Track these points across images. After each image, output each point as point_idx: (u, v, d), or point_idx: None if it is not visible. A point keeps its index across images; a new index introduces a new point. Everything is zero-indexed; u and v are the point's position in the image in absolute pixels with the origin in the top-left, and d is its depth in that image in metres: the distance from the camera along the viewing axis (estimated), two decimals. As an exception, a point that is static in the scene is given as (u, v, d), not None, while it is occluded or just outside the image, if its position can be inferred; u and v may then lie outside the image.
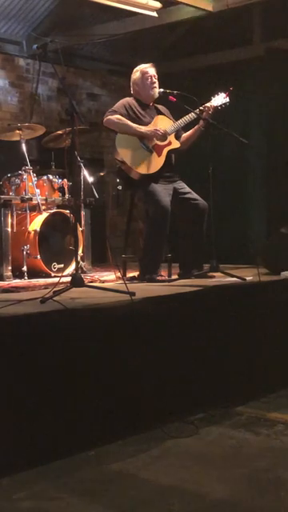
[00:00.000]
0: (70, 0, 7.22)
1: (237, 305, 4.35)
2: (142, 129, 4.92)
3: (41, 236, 5.52)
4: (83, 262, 5.74)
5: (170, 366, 3.80)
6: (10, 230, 5.41)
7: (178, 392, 3.79)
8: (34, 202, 5.55)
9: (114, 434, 3.42)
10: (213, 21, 7.43)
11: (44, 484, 2.93)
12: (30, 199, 5.53)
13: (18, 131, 5.76)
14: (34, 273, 5.45)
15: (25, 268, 5.39)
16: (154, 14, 6.94)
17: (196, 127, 5.09)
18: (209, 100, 5.07)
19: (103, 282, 5.04)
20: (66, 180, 5.87)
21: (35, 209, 5.63)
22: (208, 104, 5.03)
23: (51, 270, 5.52)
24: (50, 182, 5.84)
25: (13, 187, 5.65)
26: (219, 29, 7.76)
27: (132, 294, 3.71)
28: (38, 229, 5.51)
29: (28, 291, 4.49)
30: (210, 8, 6.87)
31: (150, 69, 5.08)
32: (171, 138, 5.04)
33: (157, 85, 5.05)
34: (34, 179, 5.62)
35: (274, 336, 4.58)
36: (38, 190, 5.58)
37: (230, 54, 8.03)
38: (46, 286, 4.53)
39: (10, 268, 5.34)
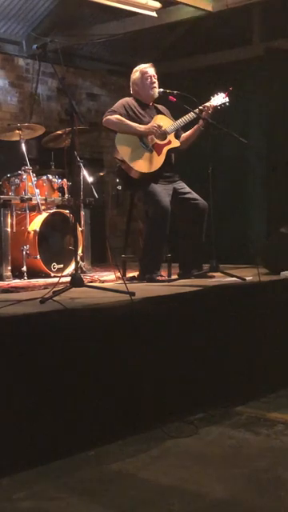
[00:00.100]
0: (69, 0, 7.23)
1: (237, 305, 4.35)
2: (142, 127, 4.92)
3: (40, 236, 5.52)
4: (83, 262, 5.74)
5: (170, 366, 3.79)
6: (9, 230, 5.41)
7: (178, 392, 3.79)
8: (34, 202, 5.55)
9: (114, 434, 3.42)
10: (212, 21, 7.44)
11: (44, 484, 2.93)
12: (30, 199, 5.53)
13: (17, 131, 5.76)
14: (33, 273, 5.45)
15: (24, 268, 5.39)
16: (154, 14, 6.94)
17: (196, 127, 5.09)
18: (208, 100, 5.07)
19: (103, 282, 5.04)
20: (65, 180, 5.87)
21: (35, 209, 5.63)
22: (207, 104, 5.03)
23: (51, 270, 5.52)
24: (50, 182, 5.84)
25: (12, 187, 5.65)
26: (219, 29, 7.77)
27: (132, 293, 3.71)
28: (38, 229, 5.51)
29: (28, 291, 4.49)
30: (209, 8, 6.87)
31: (149, 69, 5.08)
32: (171, 137, 5.04)
33: (156, 85, 5.05)
34: (34, 179, 5.62)
35: (274, 336, 4.58)
36: (37, 190, 5.58)
37: (229, 54, 8.04)
38: (45, 286, 4.53)
39: (9, 268, 5.34)
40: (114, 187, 5.25)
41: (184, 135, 5.16)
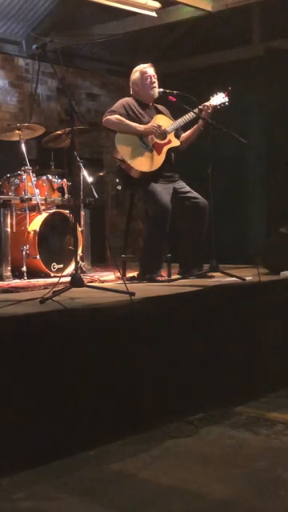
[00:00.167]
0: (69, 0, 7.23)
1: (236, 305, 4.35)
2: (142, 127, 4.92)
3: (40, 236, 5.52)
4: (83, 262, 5.74)
5: (170, 366, 3.79)
6: (9, 230, 5.41)
7: (177, 392, 3.79)
8: (34, 202, 5.55)
9: (114, 434, 3.42)
10: (212, 21, 7.43)
11: (44, 484, 2.93)
12: (30, 199, 5.53)
13: (17, 131, 5.76)
14: (33, 273, 5.45)
15: (24, 268, 5.39)
16: (154, 14, 6.94)
17: (195, 126, 5.09)
18: (208, 99, 5.07)
19: (103, 282, 5.04)
20: (65, 180, 5.87)
21: (35, 209, 5.63)
22: (207, 103, 5.03)
23: (51, 270, 5.52)
24: (50, 182, 5.84)
25: (12, 187, 5.65)
26: (218, 29, 7.77)
27: (132, 294, 3.71)
28: (38, 229, 5.50)
29: (27, 291, 4.49)
30: (209, 8, 6.87)
31: (149, 69, 5.08)
32: (171, 136, 5.04)
33: (156, 85, 5.06)
34: (34, 179, 5.62)
35: (274, 336, 4.58)
36: (37, 190, 5.58)
37: (229, 54, 8.04)
38: (45, 286, 4.53)
39: (9, 268, 5.34)
40: (114, 187, 5.25)
41: (184, 135, 5.16)
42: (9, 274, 5.32)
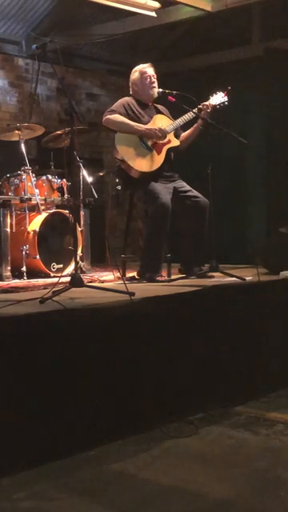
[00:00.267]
0: (69, 0, 7.23)
1: (236, 305, 4.35)
2: (143, 127, 4.92)
3: (40, 236, 5.51)
4: (82, 262, 5.74)
5: (170, 366, 3.79)
6: (9, 230, 5.41)
7: (177, 392, 3.79)
8: (33, 202, 5.55)
9: (114, 434, 3.42)
10: (212, 21, 7.43)
11: (44, 484, 2.93)
12: (29, 199, 5.53)
13: (17, 131, 5.76)
14: (33, 273, 5.45)
15: (24, 268, 5.39)
16: (153, 14, 6.94)
17: (195, 126, 5.09)
18: (207, 99, 5.07)
19: (102, 282, 5.04)
20: (65, 180, 5.87)
21: (34, 209, 5.63)
22: (206, 103, 5.03)
23: (50, 270, 5.52)
24: (49, 182, 5.84)
25: (12, 187, 5.65)
26: (218, 29, 7.77)
27: (131, 294, 3.71)
28: (37, 229, 5.50)
29: (27, 291, 4.49)
30: (208, 8, 6.87)
31: (148, 69, 5.08)
32: (170, 136, 5.04)
33: (156, 85, 5.05)
34: (33, 179, 5.62)
35: (274, 336, 4.58)
36: (37, 190, 5.58)
37: (229, 54, 8.04)
38: (45, 286, 4.53)
39: (9, 268, 5.34)
40: (114, 187, 5.25)
41: (183, 134, 5.16)
42: (8, 274, 5.32)
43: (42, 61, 7.32)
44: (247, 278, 4.67)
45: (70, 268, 5.32)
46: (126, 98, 5.09)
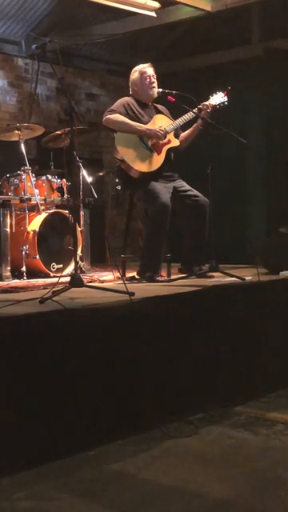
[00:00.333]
0: (69, 0, 7.22)
1: (236, 305, 4.35)
2: (143, 127, 4.92)
3: (40, 236, 5.51)
4: (82, 262, 5.74)
5: (170, 366, 3.79)
6: (8, 230, 5.41)
7: (177, 392, 3.79)
8: (33, 202, 5.55)
9: (114, 434, 3.42)
10: (211, 21, 7.44)
11: (44, 484, 2.93)
12: (29, 199, 5.53)
13: (16, 131, 5.75)
14: (33, 273, 5.45)
15: (24, 268, 5.39)
16: (153, 14, 6.95)
17: (194, 125, 5.08)
18: (207, 99, 5.07)
19: (102, 282, 5.03)
20: (64, 180, 5.87)
21: (34, 209, 5.63)
22: (206, 102, 5.03)
23: (50, 270, 5.52)
24: (49, 182, 5.84)
25: (12, 187, 5.65)
26: (218, 29, 7.78)
27: (131, 294, 3.71)
28: (37, 229, 5.50)
29: (27, 291, 4.49)
30: (208, 8, 6.87)
31: (148, 69, 5.08)
32: (170, 136, 5.04)
33: (156, 85, 5.05)
34: (33, 179, 5.62)
35: (274, 336, 4.58)
36: (36, 190, 5.58)
37: (228, 54, 8.05)
38: (45, 286, 4.53)
39: (9, 268, 5.34)
40: (114, 187, 5.25)
41: (183, 134, 5.16)
42: (8, 274, 5.32)
43: (41, 61, 7.32)
44: (247, 278, 4.66)
45: (70, 268, 5.32)
46: (126, 98, 5.09)
